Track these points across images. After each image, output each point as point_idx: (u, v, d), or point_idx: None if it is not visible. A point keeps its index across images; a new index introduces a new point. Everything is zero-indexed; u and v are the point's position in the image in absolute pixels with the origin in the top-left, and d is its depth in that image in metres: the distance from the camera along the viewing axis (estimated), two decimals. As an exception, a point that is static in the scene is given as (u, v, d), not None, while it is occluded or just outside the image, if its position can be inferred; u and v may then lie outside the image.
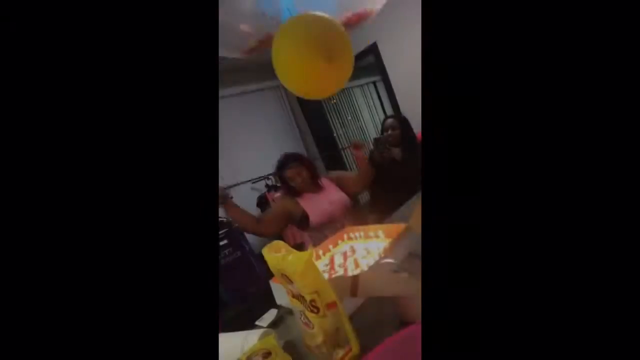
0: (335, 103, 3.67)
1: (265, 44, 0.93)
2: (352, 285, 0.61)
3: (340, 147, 3.40)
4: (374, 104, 4.05)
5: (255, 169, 2.82)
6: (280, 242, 0.67)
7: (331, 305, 0.57)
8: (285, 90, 3.18)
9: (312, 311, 0.58)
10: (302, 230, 1.43)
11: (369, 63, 2.66)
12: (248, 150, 2.87)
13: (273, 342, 0.63)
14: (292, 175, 1.38)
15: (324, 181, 1.47)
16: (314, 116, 3.21)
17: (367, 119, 4.00)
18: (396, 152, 1.62)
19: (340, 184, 1.47)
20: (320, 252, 1.03)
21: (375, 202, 1.74)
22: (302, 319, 0.64)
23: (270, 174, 2.83)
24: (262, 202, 2.74)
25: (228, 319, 2.19)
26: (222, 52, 0.91)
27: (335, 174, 1.55)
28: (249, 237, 2.31)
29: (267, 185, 2.79)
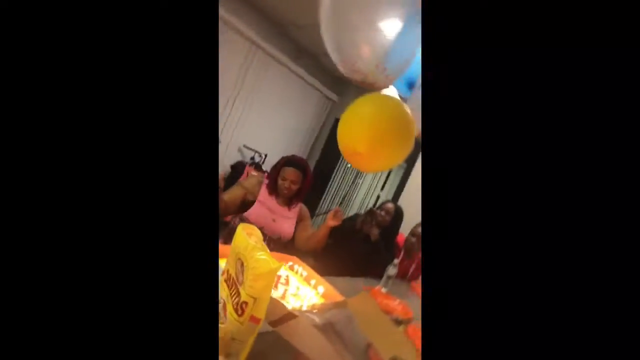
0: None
1: (363, 84, 0.89)
2: (281, 317, 0.60)
3: (318, 210, 3.37)
4: (376, 184, 4.05)
5: (256, 140, 2.77)
6: (257, 230, 0.65)
7: (255, 319, 0.55)
8: (333, 105, 3.22)
9: (235, 310, 0.55)
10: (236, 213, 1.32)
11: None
12: (264, 120, 2.80)
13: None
14: (288, 176, 1.30)
15: (296, 209, 1.39)
16: (326, 156, 3.23)
17: (360, 195, 3.98)
18: (375, 232, 1.64)
19: (298, 225, 1.39)
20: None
21: (325, 254, 1.73)
22: (220, 304, 0.61)
23: (265, 155, 2.79)
24: (238, 167, 2.67)
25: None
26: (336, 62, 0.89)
27: (305, 215, 1.46)
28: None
29: (252, 159, 2.73)
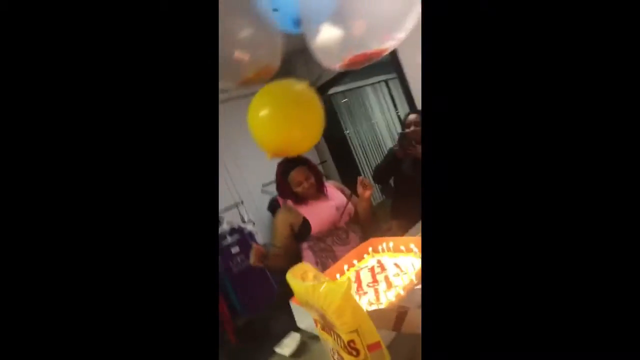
0: (346, 102, 3.56)
1: (263, 74, 0.85)
2: (396, 319, 0.51)
3: (352, 149, 3.28)
4: (386, 102, 3.92)
5: (265, 172, 2.72)
6: (307, 266, 0.57)
7: (374, 347, 0.47)
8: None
9: (350, 353, 0.48)
10: (300, 242, 1.24)
11: (381, 61, 2.54)
12: (257, 153, 2.76)
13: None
14: (298, 179, 1.20)
15: (329, 187, 1.31)
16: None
17: (379, 118, 3.88)
18: (419, 150, 1.48)
19: (345, 193, 1.31)
20: (345, 267, 0.92)
21: (398, 206, 1.61)
22: (335, 357, 0.54)
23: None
24: (274, 206, 2.64)
25: (240, 328, 2.12)
26: (220, 84, 0.82)
27: (338, 185, 1.38)
28: (262, 242, 2.23)
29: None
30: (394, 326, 0.52)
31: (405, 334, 0.52)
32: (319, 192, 1.26)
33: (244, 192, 2.62)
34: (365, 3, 0.73)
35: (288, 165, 1.22)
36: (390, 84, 3.90)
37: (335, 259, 1.13)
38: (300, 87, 0.90)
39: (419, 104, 2.30)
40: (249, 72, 0.83)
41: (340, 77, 2.75)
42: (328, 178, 3.11)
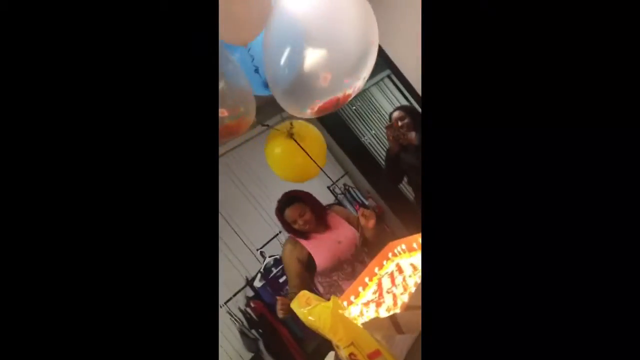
0: (355, 109, 3.60)
1: (240, 127, 0.89)
2: (393, 324, 0.55)
3: (374, 154, 3.26)
4: (394, 95, 3.90)
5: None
6: (306, 293, 0.63)
7: (373, 355, 0.51)
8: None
9: (355, 366, 0.52)
10: (311, 278, 1.25)
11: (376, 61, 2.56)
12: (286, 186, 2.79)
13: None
14: (292, 217, 1.22)
15: (332, 217, 1.30)
16: (335, 129, 3.16)
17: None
18: (412, 136, 1.47)
19: (352, 223, 1.30)
20: (366, 279, 0.96)
21: (403, 212, 1.60)
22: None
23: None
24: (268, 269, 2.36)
25: (309, 354, 2.16)
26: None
27: (343, 211, 1.38)
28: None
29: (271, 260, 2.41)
30: (397, 330, 0.56)
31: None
32: (320, 224, 1.26)
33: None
34: (328, 56, 0.77)
35: (283, 203, 1.25)
36: (393, 77, 3.88)
37: (342, 292, 1.09)
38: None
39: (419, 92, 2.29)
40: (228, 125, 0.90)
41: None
42: (357, 187, 3.14)
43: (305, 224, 1.22)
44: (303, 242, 1.24)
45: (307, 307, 0.56)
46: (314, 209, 1.26)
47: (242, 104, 0.90)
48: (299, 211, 1.22)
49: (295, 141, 1.20)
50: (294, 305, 0.62)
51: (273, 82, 0.85)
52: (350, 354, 0.52)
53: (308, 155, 1.21)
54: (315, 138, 1.38)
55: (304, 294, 0.63)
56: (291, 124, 1.25)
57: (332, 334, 0.52)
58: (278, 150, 1.26)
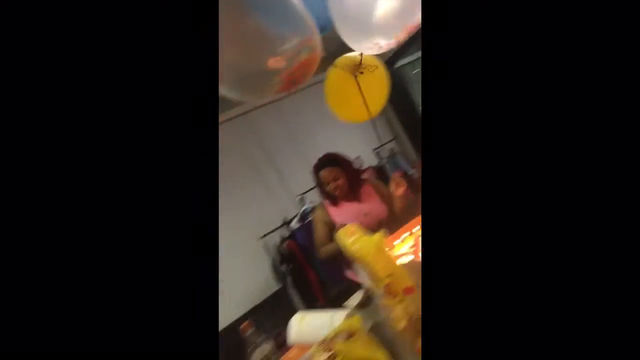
0: (416, 72, 3.39)
1: (297, 75, 0.86)
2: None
3: None
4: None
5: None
6: (354, 226, 0.67)
7: (409, 290, 0.55)
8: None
9: (389, 296, 0.57)
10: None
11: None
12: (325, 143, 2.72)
13: (357, 324, 0.65)
14: (326, 179, 1.24)
15: (366, 190, 1.30)
16: (394, 90, 3.04)
17: None
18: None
19: (383, 196, 1.29)
20: (404, 235, 0.99)
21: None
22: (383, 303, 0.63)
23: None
24: (305, 215, 2.39)
25: (332, 298, 2.32)
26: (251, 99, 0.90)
27: (380, 187, 1.35)
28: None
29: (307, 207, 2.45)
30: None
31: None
32: (351, 194, 1.27)
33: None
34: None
35: (322, 162, 1.26)
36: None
37: None
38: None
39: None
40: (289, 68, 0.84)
41: (405, 48, 2.66)
42: (405, 155, 3.07)
43: (336, 189, 1.24)
44: (329, 207, 1.27)
45: (352, 237, 0.61)
46: (349, 177, 1.26)
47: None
48: (334, 175, 1.24)
49: (357, 83, 1.20)
50: (339, 235, 0.67)
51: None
52: (388, 285, 0.56)
53: (364, 99, 1.21)
54: (379, 81, 1.44)
55: (351, 226, 0.68)
56: (361, 54, 1.26)
57: (373, 263, 0.56)
58: (338, 85, 1.38)
